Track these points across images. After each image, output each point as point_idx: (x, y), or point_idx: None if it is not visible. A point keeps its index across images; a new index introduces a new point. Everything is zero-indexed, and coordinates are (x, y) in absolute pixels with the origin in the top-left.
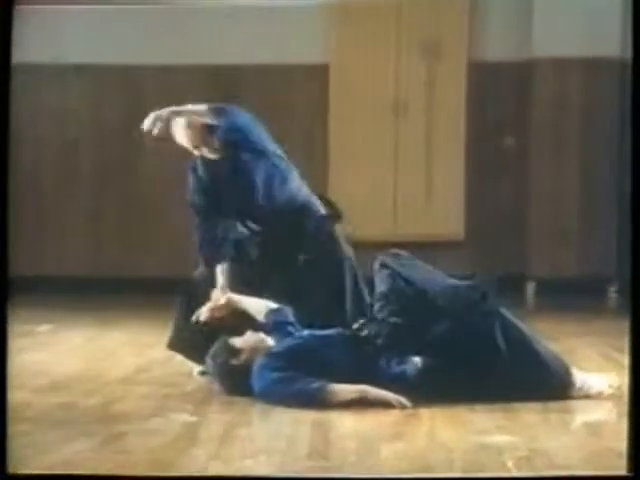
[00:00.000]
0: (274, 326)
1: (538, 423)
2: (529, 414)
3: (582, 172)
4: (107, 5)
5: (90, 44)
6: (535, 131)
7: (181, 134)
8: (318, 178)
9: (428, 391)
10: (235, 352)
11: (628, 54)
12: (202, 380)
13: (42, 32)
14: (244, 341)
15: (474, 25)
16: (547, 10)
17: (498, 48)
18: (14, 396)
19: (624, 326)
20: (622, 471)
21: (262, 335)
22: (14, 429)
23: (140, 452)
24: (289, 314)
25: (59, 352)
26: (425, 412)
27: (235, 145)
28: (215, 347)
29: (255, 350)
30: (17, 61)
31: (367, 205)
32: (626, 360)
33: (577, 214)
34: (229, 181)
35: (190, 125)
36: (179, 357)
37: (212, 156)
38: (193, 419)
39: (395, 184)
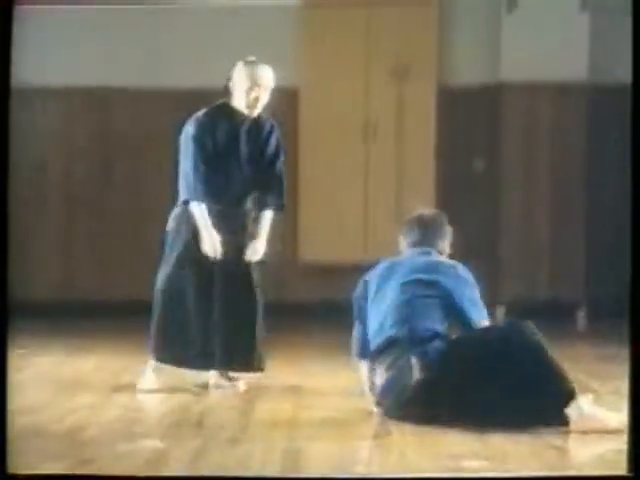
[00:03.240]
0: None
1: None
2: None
3: (552, 196)
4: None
5: (58, 67)
6: (505, 154)
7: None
8: (288, 202)
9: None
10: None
11: (596, 78)
12: (173, 404)
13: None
14: None
15: (443, 49)
16: (515, 34)
17: (467, 72)
18: None
19: (594, 351)
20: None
21: None
22: None
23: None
24: None
25: (28, 377)
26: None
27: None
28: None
29: None
30: None
31: (337, 229)
32: (596, 385)
33: (547, 238)
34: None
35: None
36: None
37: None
38: (162, 445)
39: (365, 208)
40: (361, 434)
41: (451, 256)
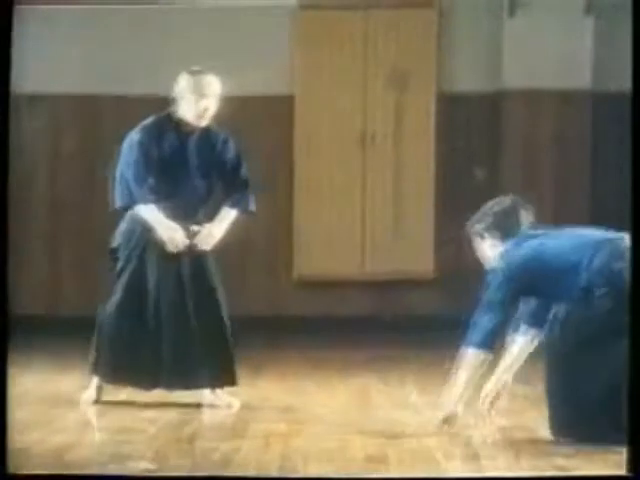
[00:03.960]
0: None
1: None
2: None
3: (554, 205)
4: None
5: (44, 73)
6: (506, 163)
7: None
8: (282, 213)
9: None
10: None
11: (599, 86)
12: (165, 423)
13: None
14: None
15: (443, 55)
16: (517, 41)
17: (468, 79)
18: None
19: None
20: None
21: None
22: None
23: None
24: None
25: (13, 396)
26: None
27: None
28: None
29: None
30: None
31: (333, 241)
32: None
33: None
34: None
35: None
36: (137, 401)
37: (199, 125)
38: (152, 466)
39: (362, 219)
40: (357, 455)
41: (453, 266)
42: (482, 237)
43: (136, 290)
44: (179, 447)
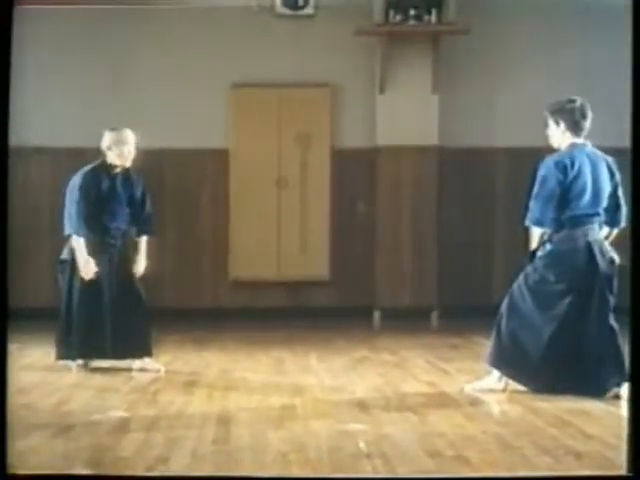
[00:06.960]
0: None
1: None
2: None
3: (413, 230)
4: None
5: (48, 129)
6: (380, 200)
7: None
8: (222, 234)
9: None
10: None
11: (445, 142)
12: (136, 384)
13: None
14: None
15: (335, 122)
16: (386, 111)
17: (352, 138)
18: None
19: (444, 342)
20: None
21: None
22: None
23: (85, 439)
24: None
25: (24, 364)
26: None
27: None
28: None
29: None
30: None
31: (258, 254)
32: (445, 366)
33: (410, 261)
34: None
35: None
36: (118, 366)
37: (125, 166)
38: (127, 414)
39: (278, 238)
40: (275, 404)
41: (342, 272)
42: (557, 124)
43: (87, 292)
44: (145, 400)
